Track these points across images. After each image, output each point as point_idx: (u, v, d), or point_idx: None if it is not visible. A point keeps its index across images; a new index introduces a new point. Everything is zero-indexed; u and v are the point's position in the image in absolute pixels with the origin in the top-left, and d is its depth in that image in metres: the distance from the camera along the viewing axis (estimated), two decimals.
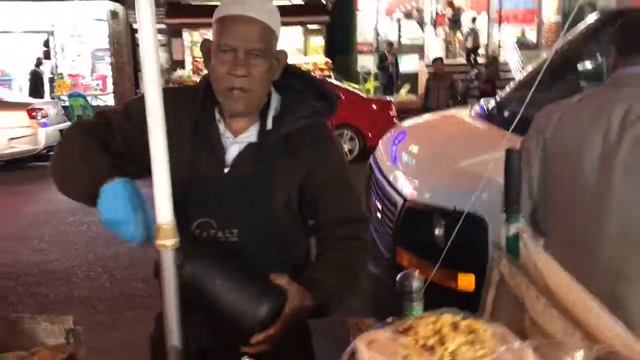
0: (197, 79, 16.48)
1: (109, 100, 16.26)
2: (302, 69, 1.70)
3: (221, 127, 1.51)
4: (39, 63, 15.72)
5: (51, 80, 16.29)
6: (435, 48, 19.35)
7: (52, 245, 5.83)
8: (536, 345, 0.89)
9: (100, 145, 1.43)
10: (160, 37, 18.91)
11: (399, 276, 1.47)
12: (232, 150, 1.50)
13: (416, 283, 1.42)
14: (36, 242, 6.00)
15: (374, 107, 11.13)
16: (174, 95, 1.53)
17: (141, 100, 1.37)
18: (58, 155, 1.47)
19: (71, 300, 4.57)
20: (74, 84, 16.31)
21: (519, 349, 0.89)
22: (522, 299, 1.09)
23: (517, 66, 17.42)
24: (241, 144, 1.51)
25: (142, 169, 1.35)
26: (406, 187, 3.40)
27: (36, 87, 15.06)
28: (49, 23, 16.26)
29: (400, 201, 3.33)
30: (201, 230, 1.47)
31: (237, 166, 1.49)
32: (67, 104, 14.00)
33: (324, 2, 19.46)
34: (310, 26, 18.90)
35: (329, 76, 16.12)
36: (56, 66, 16.57)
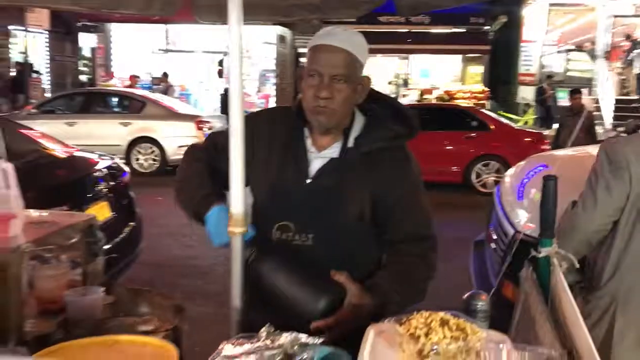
0: None
1: None
2: (387, 95, 1.85)
3: (308, 143, 1.72)
4: None
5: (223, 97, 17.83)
6: (606, 83, 18.12)
7: (199, 243, 6.45)
8: (515, 346, 0.98)
9: (206, 171, 1.73)
10: None
11: (466, 295, 1.57)
12: (316, 164, 1.70)
13: (481, 304, 1.51)
14: (187, 239, 6.68)
15: (525, 139, 10.75)
16: (269, 114, 1.83)
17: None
18: (177, 179, 1.81)
19: (205, 293, 5.05)
20: None
21: (496, 348, 0.98)
22: (534, 315, 1.16)
23: None
24: (324, 159, 1.70)
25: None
26: (520, 219, 3.38)
27: (227, 104, 16.39)
28: (224, 44, 17.90)
29: (511, 232, 3.31)
30: (281, 232, 1.67)
31: (318, 178, 1.68)
32: None
33: (487, 31, 19.15)
34: (470, 54, 18.70)
35: (484, 105, 15.79)
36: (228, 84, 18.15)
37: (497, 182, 10.20)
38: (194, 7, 2.31)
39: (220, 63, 17.73)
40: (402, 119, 1.73)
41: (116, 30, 20.04)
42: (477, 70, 19.01)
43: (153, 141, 11.14)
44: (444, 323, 1.03)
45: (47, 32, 19.26)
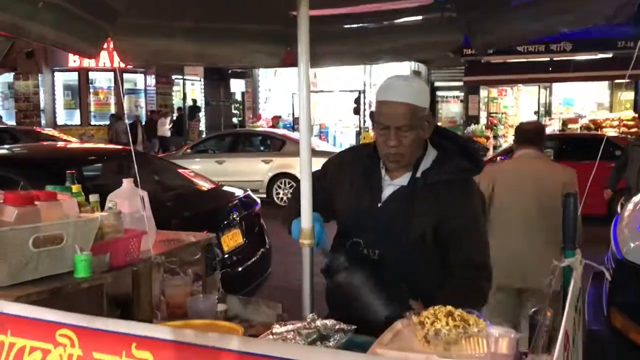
0: (489, 134, 16.79)
1: None
2: (454, 132, 2.10)
3: (382, 172, 2.00)
4: None
5: (357, 134, 18.46)
6: None
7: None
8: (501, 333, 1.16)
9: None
10: (457, 93, 19.87)
11: (532, 310, 1.73)
12: (387, 190, 1.97)
13: (542, 319, 1.67)
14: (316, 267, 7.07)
15: None
16: (356, 150, 2.23)
17: (333, 158, 2.05)
18: (290, 197, 2.22)
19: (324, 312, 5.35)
20: None
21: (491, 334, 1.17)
22: None
23: None
24: (395, 186, 1.96)
25: (331, 210, 1.99)
26: (630, 246, 3.30)
27: None
28: (361, 82, 18.62)
29: (618, 257, 3.25)
30: (353, 247, 1.95)
31: (388, 203, 1.94)
32: None
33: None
34: (619, 80, 17.55)
35: (637, 133, 14.62)
36: (364, 120, 18.74)
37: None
38: (294, 55, 2.68)
39: (357, 101, 18.38)
40: (469, 155, 1.95)
41: (263, 74, 21.60)
42: (628, 96, 17.77)
43: (292, 177, 11.83)
44: (449, 314, 1.23)
45: (202, 80, 21.29)
